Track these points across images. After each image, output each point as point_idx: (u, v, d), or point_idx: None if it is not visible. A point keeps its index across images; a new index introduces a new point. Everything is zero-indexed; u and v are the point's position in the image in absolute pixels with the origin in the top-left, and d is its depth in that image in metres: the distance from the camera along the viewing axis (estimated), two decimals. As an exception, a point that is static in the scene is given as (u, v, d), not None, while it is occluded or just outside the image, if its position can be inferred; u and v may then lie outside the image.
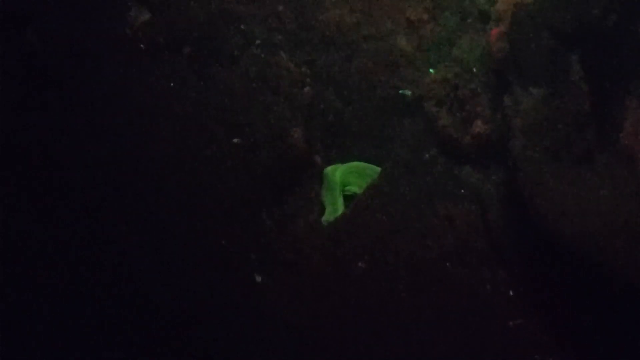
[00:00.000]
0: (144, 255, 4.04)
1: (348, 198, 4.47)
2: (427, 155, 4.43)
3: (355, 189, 4.52)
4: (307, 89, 4.23)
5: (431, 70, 4.17)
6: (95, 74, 3.98)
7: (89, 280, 4.01)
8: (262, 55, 4.14)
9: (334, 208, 4.47)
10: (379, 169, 4.38)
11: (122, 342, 4.01)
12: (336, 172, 4.47)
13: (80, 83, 3.98)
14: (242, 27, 4.22)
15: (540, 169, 3.21)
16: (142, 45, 4.00)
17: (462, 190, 4.26)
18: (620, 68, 3.71)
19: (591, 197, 3.19)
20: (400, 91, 4.37)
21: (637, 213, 3.27)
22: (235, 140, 4.06)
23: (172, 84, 3.99)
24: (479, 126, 3.90)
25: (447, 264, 4.03)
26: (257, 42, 4.14)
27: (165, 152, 4.03)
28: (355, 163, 4.50)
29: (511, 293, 4.10)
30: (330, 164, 4.55)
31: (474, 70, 3.86)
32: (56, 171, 3.96)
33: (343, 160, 4.54)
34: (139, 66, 4.02)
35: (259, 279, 4.18)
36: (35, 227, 3.89)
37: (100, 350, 3.93)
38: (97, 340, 3.95)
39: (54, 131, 3.91)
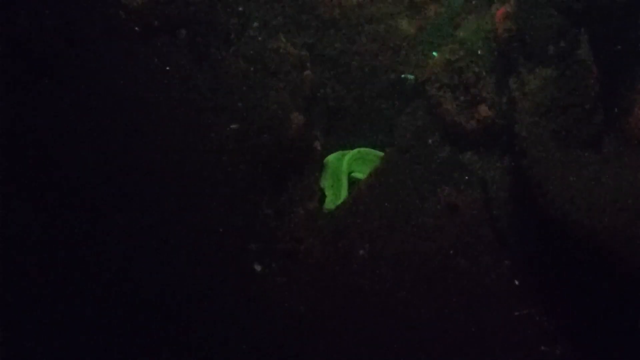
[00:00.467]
0: (139, 246, 3.93)
1: (351, 184, 4.39)
2: (430, 141, 4.32)
3: (359, 175, 4.43)
4: (307, 72, 4.12)
5: (434, 53, 4.06)
6: (88, 58, 3.85)
7: (84, 268, 3.92)
8: (260, 38, 4.02)
9: (337, 196, 4.38)
10: (382, 154, 4.28)
11: (121, 331, 3.92)
12: (343, 161, 4.38)
13: (73, 67, 3.84)
14: (240, 9, 4.11)
15: (548, 153, 3.10)
16: (136, 28, 3.89)
17: (467, 178, 4.18)
18: (630, 49, 3.61)
19: (599, 182, 3.08)
20: (403, 75, 4.27)
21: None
22: (233, 126, 3.95)
23: (167, 68, 3.88)
24: (484, 110, 3.80)
25: (451, 252, 3.94)
26: (255, 24, 4.03)
27: (160, 137, 3.90)
28: (358, 149, 4.41)
29: (516, 282, 4.01)
30: (329, 151, 4.48)
31: (479, 52, 3.75)
32: (50, 157, 3.85)
33: (343, 146, 4.46)
34: (134, 49, 3.89)
35: (258, 268, 4.08)
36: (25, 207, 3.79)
37: (99, 336, 3.84)
38: (95, 328, 3.86)
39: (47, 116, 3.79)
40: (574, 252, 3.36)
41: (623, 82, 3.62)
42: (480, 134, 3.92)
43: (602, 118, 3.33)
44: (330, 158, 4.40)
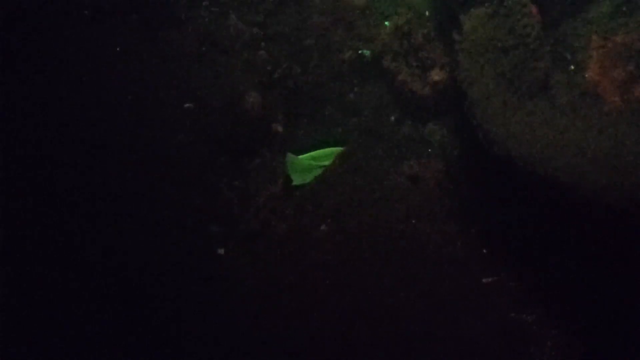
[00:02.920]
0: (97, 230, 3.89)
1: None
2: (392, 118, 4.28)
3: (326, 162, 4.40)
4: (261, 52, 4.10)
5: (386, 23, 4.04)
6: (37, 42, 3.87)
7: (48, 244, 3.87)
8: (210, 18, 4.02)
9: (304, 175, 4.33)
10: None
11: (82, 315, 3.86)
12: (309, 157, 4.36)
13: (23, 51, 3.86)
14: (189, -12, 4.11)
15: (490, 94, 3.03)
16: (85, 12, 3.90)
17: (429, 150, 4.13)
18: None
19: (547, 125, 3.01)
20: (360, 51, 4.25)
21: (602, 142, 3.09)
22: (186, 105, 3.92)
23: (117, 49, 3.88)
24: (436, 74, 3.76)
25: (413, 221, 3.86)
26: (205, 3, 4.03)
27: (115, 119, 3.88)
28: (323, 150, 4.39)
29: (484, 251, 3.93)
30: (292, 134, 4.43)
31: (426, 13, 3.72)
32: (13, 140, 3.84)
33: (306, 129, 4.42)
34: (83, 33, 3.91)
35: (221, 251, 4.02)
36: None
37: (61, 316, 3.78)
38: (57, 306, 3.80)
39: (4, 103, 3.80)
40: (524, 194, 3.28)
41: (568, 28, 3.58)
42: (436, 100, 3.88)
43: (549, 65, 3.28)
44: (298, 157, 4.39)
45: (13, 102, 3.76)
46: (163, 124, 3.91)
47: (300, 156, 4.39)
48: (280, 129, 4.28)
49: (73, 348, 3.83)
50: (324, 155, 4.43)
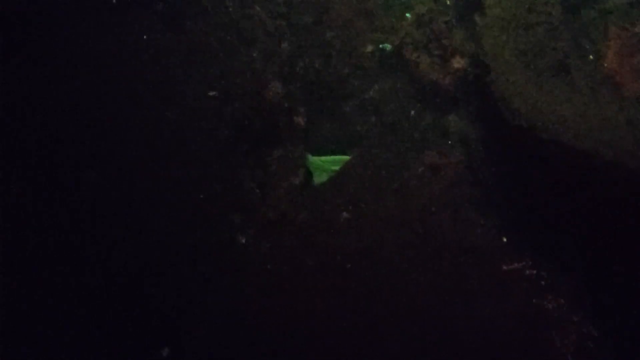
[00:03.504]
0: (119, 219, 3.93)
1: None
2: (412, 112, 4.33)
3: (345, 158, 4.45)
4: (284, 44, 4.16)
5: (407, 14, 4.10)
6: (64, 31, 3.94)
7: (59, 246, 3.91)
8: (235, 7, 4.09)
9: (321, 175, 4.38)
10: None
11: (99, 306, 3.87)
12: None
13: (49, 40, 3.93)
14: (214, -20, 4.19)
15: (512, 68, 3.08)
16: (113, 1, 3.98)
17: (449, 142, 4.17)
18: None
19: (570, 102, 3.04)
20: (381, 45, 4.30)
21: (623, 116, 3.12)
22: (211, 93, 3.98)
23: (144, 37, 3.95)
24: (457, 62, 3.80)
25: (433, 209, 3.89)
26: (229, -6, 4.11)
27: (138, 108, 3.94)
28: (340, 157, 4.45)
29: (504, 240, 3.94)
30: (313, 128, 4.49)
31: (447, 2, 3.78)
32: (28, 130, 3.90)
33: (327, 125, 4.47)
34: (110, 22, 3.99)
35: (242, 240, 4.05)
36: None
37: (74, 309, 3.80)
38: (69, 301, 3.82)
39: (25, 90, 3.86)
40: (546, 175, 3.29)
41: (593, 25, 3.64)
42: (457, 89, 3.92)
43: (568, 48, 3.32)
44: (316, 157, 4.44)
45: (41, 93, 3.83)
46: (188, 111, 3.97)
47: (319, 157, 4.45)
48: (302, 121, 4.33)
49: (87, 342, 3.86)
50: (340, 161, 4.49)
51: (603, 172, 3.01)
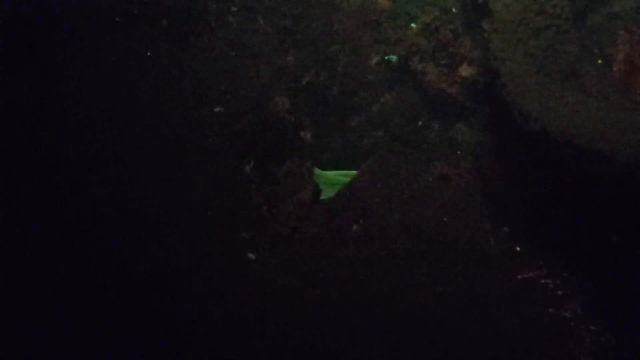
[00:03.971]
0: (129, 236, 3.88)
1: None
2: (420, 123, 4.30)
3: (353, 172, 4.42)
4: (289, 57, 4.14)
5: (413, 24, 4.08)
6: (69, 46, 3.93)
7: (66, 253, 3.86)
8: (239, 23, 4.07)
9: (329, 190, 4.35)
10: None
11: (113, 320, 3.83)
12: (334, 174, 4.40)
13: (54, 55, 3.91)
14: (218, -5, 4.18)
15: (523, 72, 3.04)
16: (117, 18, 3.97)
17: (458, 151, 4.14)
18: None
19: (581, 105, 3.01)
20: (386, 57, 4.28)
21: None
22: (217, 109, 3.95)
23: (148, 54, 3.93)
24: (464, 70, 3.78)
25: (445, 219, 3.84)
26: (234, 9, 4.09)
27: (145, 124, 3.91)
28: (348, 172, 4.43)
29: (518, 248, 3.89)
30: (320, 143, 4.46)
31: (453, 10, 3.76)
32: (37, 142, 3.87)
33: (334, 139, 4.44)
34: (115, 38, 3.97)
35: (252, 256, 4.00)
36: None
37: (87, 321, 3.75)
38: (83, 314, 3.77)
39: (31, 103, 3.83)
40: (558, 182, 3.24)
41: (601, 30, 3.63)
42: (465, 98, 3.90)
43: (577, 50, 3.29)
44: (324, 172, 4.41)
45: (47, 106, 3.81)
46: (193, 128, 3.94)
47: (327, 172, 4.42)
48: (309, 136, 4.31)
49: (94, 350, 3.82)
50: (348, 174, 4.46)
51: (619, 176, 2.96)
